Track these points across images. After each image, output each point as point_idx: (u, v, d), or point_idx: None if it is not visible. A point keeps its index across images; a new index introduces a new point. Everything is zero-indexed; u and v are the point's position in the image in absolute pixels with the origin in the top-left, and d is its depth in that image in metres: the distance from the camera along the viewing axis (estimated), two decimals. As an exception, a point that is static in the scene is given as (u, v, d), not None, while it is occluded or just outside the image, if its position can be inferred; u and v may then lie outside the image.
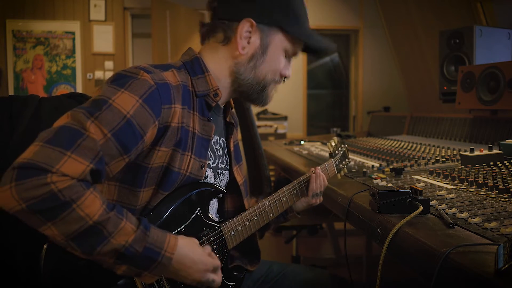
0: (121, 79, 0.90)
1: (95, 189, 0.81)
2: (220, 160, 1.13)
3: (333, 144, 1.38)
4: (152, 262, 0.85)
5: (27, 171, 0.73)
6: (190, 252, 0.91)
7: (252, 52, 1.04)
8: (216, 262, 0.97)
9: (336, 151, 1.36)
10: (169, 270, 0.89)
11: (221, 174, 1.13)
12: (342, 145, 1.40)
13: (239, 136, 1.28)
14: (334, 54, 5.93)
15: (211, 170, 1.09)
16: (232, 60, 1.05)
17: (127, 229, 0.83)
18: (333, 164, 1.33)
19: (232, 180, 1.17)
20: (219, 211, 1.17)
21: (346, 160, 1.39)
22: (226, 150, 1.16)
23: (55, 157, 0.75)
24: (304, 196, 1.24)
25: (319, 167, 1.26)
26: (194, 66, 1.04)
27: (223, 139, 1.15)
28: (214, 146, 1.09)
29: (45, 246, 0.89)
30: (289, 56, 1.10)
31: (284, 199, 1.18)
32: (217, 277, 0.96)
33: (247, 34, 1.02)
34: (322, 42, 1.09)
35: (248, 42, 1.03)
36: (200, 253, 0.93)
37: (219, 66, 1.06)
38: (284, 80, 1.12)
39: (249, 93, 1.08)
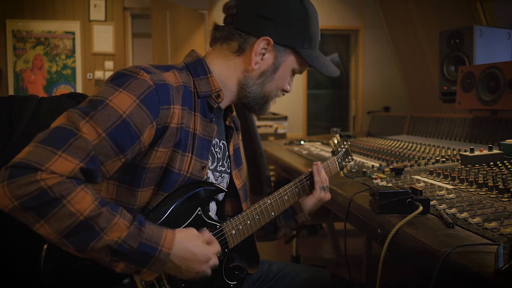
0: (120, 78, 0.91)
1: (87, 186, 0.82)
2: (220, 163, 1.12)
3: (336, 141, 1.39)
4: (149, 258, 0.85)
5: (18, 170, 0.76)
6: (189, 244, 0.91)
7: (263, 69, 1.05)
8: (215, 248, 0.98)
9: (339, 149, 1.36)
10: (169, 266, 0.89)
11: (220, 177, 1.13)
12: (345, 143, 1.40)
13: (239, 137, 1.28)
14: (334, 54, 5.93)
15: (211, 172, 1.09)
16: (242, 73, 1.06)
17: (120, 225, 0.83)
18: (335, 161, 1.32)
19: (231, 183, 1.17)
20: (218, 215, 1.17)
21: (349, 157, 1.40)
22: (227, 153, 1.16)
23: (46, 156, 0.77)
24: (308, 193, 1.22)
25: (319, 162, 1.25)
26: (196, 68, 1.04)
27: (224, 142, 1.15)
28: (213, 149, 1.09)
29: (45, 246, 0.89)
30: (294, 73, 1.12)
31: (286, 197, 1.17)
32: (216, 260, 0.97)
33: (262, 51, 1.03)
34: (328, 68, 1.10)
35: (262, 59, 1.04)
36: (200, 245, 0.93)
37: (226, 72, 1.06)
38: (283, 94, 1.14)
39: (252, 104, 1.10)
